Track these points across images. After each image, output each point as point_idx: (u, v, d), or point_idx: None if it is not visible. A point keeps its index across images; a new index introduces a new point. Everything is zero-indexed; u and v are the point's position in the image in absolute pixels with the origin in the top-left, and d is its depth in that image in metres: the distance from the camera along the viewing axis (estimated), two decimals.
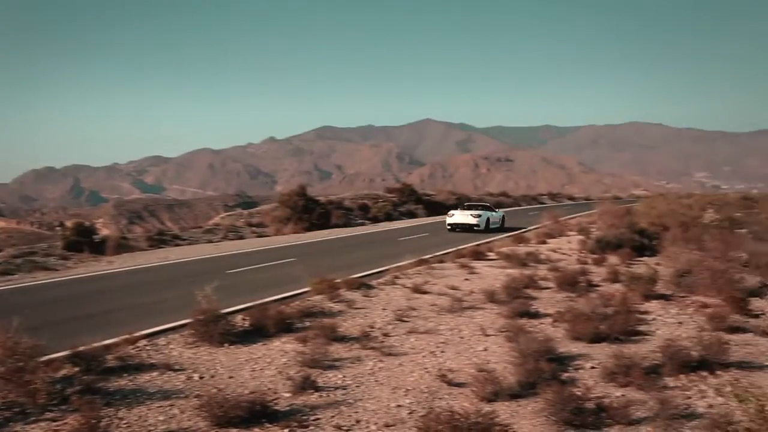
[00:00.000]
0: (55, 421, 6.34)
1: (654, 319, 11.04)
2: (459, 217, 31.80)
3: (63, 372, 7.67)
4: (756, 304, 12.27)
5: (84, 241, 22.69)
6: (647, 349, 8.90)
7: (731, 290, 12.21)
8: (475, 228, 30.70)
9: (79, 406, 6.28)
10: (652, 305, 12.15)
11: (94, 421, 6.02)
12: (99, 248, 22.94)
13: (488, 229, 31.08)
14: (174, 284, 15.21)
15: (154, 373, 7.93)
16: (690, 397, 7.14)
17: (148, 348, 9.03)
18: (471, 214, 31.62)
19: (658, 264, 16.77)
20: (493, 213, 33.67)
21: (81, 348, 7.86)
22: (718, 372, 7.97)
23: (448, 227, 31.71)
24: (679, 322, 10.80)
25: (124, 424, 6.35)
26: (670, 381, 7.69)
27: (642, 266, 16.65)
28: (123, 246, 23.99)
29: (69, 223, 23.93)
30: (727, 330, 10.05)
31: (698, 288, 13.10)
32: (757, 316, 11.33)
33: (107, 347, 8.43)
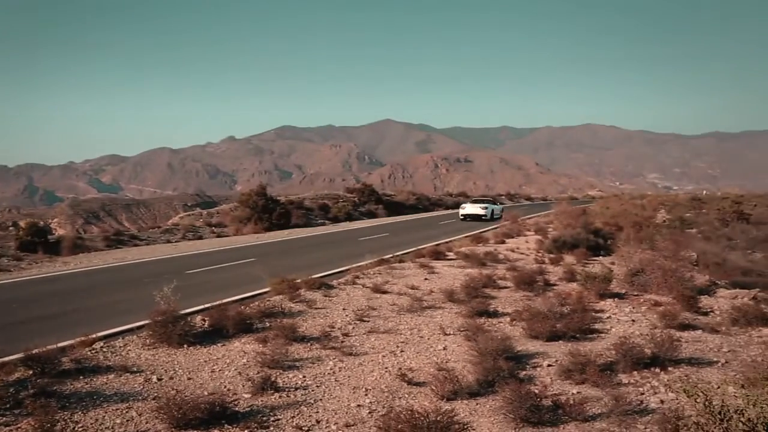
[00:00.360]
0: (7, 425, 6.20)
1: (608, 318, 11.29)
2: (470, 208, 39.19)
3: (16, 375, 7.51)
4: (705, 301, 12.65)
5: (38, 242, 22.15)
6: (602, 347, 9.10)
7: (682, 289, 12.57)
8: (483, 218, 37.85)
9: (32, 410, 6.17)
10: (607, 304, 12.41)
11: (48, 425, 5.93)
12: (54, 249, 22.42)
13: (492, 219, 38.05)
14: (132, 285, 14.95)
15: (111, 376, 7.81)
16: (643, 393, 7.33)
17: (104, 350, 8.88)
18: (480, 207, 39.25)
19: (612, 263, 17.16)
20: (495, 206, 41.18)
21: (35, 351, 7.70)
22: (670, 368, 8.20)
23: (461, 217, 38.62)
24: (633, 320, 11.07)
25: (80, 427, 6.25)
26: (624, 378, 7.88)
27: (597, 265, 17.02)
28: (79, 246, 23.47)
29: (22, 223, 23.30)
30: (678, 327, 10.34)
31: (651, 286, 13.45)
32: (706, 314, 11.68)
33: (62, 350, 8.28)
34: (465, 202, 42.93)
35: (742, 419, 4.86)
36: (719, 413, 4.95)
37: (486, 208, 38.76)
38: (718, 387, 7.28)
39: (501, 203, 48.36)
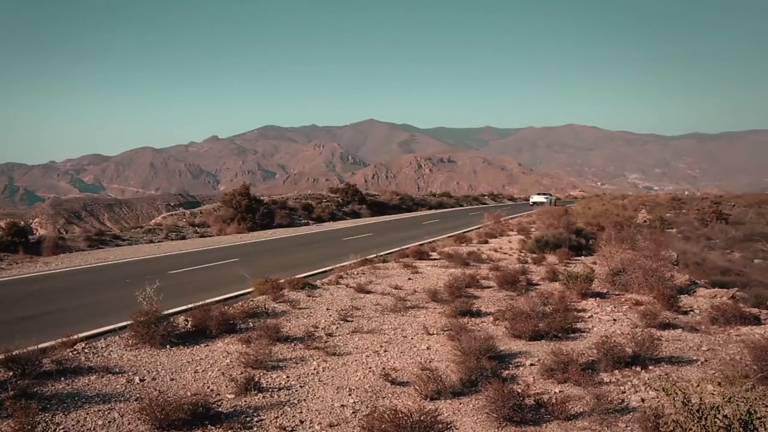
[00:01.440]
0: None
1: (590, 317, 11.38)
2: (536, 198, 62.16)
3: None
4: (685, 301, 12.81)
5: (19, 242, 21.90)
6: (584, 346, 9.19)
7: (662, 288, 12.70)
8: (544, 204, 54.82)
9: (13, 412, 6.12)
10: (589, 303, 12.51)
11: (28, 426, 5.89)
12: (35, 249, 22.19)
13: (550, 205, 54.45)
14: (114, 285, 14.84)
15: (93, 377, 7.76)
16: (624, 392, 7.41)
17: (86, 351, 8.81)
18: (543, 197, 62.57)
19: (594, 263, 17.29)
20: (551, 197, 64.84)
21: (15, 352, 7.63)
22: (650, 367, 8.29)
23: (531, 204, 59.02)
24: (614, 320, 11.17)
25: (61, 429, 6.20)
26: (605, 376, 7.96)
27: (579, 265, 17.15)
28: (60, 246, 23.23)
29: (3, 223, 22.99)
30: (659, 326, 10.46)
31: (632, 286, 13.58)
32: (686, 313, 11.82)
33: (43, 351, 8.21)
34: (533, 194, 71.04)
35: (718, 416, 4.94)
36: (697, 411, 5.02)
37: (547, 197, 61.90)
38: (697, 385, 7.36)
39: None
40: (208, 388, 7.47)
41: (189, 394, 7.06)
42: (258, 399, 7.13)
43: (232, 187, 40.58)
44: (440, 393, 7.17)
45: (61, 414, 6.55)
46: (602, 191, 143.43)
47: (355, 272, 15.95)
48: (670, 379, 7.72)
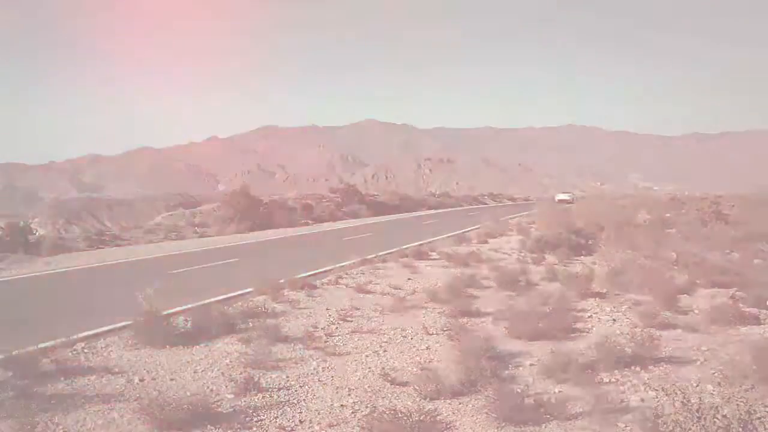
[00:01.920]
0: None
1: (590, 317, 11.37)
2: (561, 196, 68.11)
3: None
4: (685, 301, 12.78)
5: (19, 242, 21.92)
6: (584, 346, 9.16)
7: (662, 288, 12.68)
8: (569, 202, 56.86)
9: (12, 412, 6.12)
10: (588, 303, 12.50)
11: (28, 426, 5.88)
12: (35, 249, 22.20)
13: (573, 202, 56.30)
14: (113, 285, 14.86)
15: (93, 377, 7.76)
16: (623, 392, 7.39)
17: (86, 351, 8.83)
18: (567, 195, 68.46)
19: (594, 263, 17.28)
20: (574, 195, 71.17)
21: (15, 352, 7.64)
22: (650, 367, 8.27)
23: (557, 201, 59.64)
24: (614, 320, 11.16)
25: (61, 429, 6.21)
26: (605, 376, 7.94)
27: (579, 265, 17.14)
28: (60, 246, 23.26)
29: (2, 223, 23.02)
30: (658, 326, 10.43)
31: (631, 286, 13.56)
32: (685, 313, 11.79)
33: (43, 351, 8.20)
34: (558, 192, 79.14)
35: (718, 416, 4.94)
36: (697, 411, 5.02)
37: (570, 195, 68.64)
38: (697, 385, 7.38)
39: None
40: (208, 388, 7.46)
41: (188, 394, 7.05)
42: (258, 399, 7.13)
43: (232, 187, 40.58)
44: (440, 393, 7.16)
45: (60, 414, 6.55)
46: (602, 191, 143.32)
47: (355, 272, 15.96)
48: (670, 378, 7.72)
